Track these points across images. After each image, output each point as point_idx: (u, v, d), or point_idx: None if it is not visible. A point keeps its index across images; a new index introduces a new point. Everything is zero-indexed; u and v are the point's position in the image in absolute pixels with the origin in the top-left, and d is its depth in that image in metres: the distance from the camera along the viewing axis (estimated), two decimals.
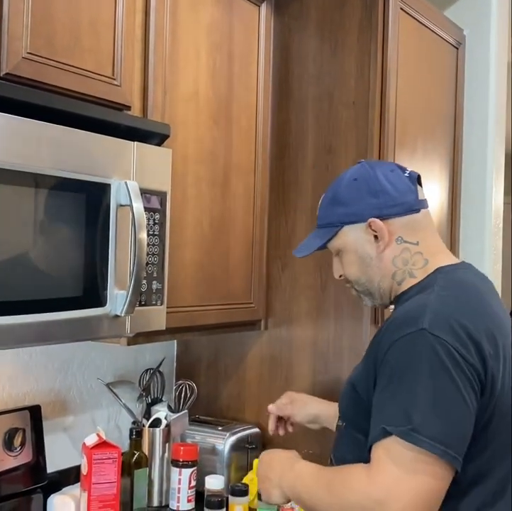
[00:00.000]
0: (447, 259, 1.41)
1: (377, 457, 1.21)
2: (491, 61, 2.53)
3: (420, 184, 1.43)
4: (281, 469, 1.39)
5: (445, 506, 1.20)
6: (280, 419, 1.79)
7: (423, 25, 2.21)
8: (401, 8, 2.04)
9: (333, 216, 1.41)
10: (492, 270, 2.56)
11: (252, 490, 1.86)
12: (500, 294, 2.62)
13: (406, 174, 1.41)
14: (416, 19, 2.16)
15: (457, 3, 2.57)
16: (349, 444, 1.37)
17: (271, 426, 1.79)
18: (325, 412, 1.73)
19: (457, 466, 1.18)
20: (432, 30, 2.28)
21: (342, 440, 1.42)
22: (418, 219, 1.39)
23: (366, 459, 1.24)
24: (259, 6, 2.03)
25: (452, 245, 2.48)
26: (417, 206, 1.39)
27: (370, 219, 1.36)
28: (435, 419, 1.17)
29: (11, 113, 1.26)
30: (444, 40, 2.38)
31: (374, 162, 1.47)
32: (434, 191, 2.35)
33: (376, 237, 1.37)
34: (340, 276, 1.47)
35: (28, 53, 1.35)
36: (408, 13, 2.10)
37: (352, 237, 1.40)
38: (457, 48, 2.47)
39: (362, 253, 1.39)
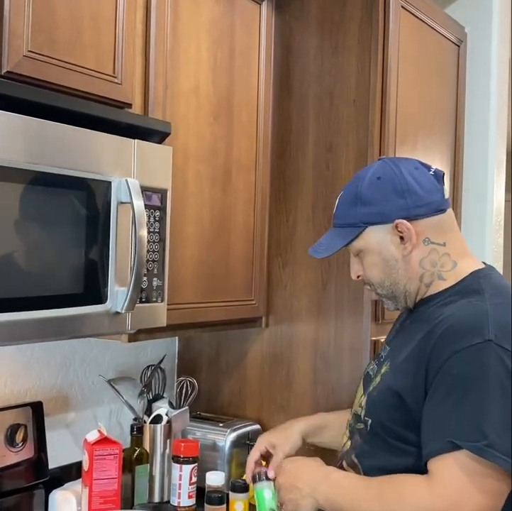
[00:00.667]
0: (473, 261, 1.38)
1: (441, 470, 1.19)
2: (493, 58, 2.53)
3: (444, 183, 1.39)
4: (313, 479, 1.35)
5: None
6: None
7: (424, 23, 2.21)
8: (402, 6, 2.04)
9: (356, 216, 1.35)
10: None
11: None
12: None
13: (431, 173, 1.36)
14: (417, 17, 2.16)
15: (458, 0, 2.57)
16: (383, 451, 1.32)
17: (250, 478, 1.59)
18: (308, 429, 1.62)
19: None
20: (434, 28, 2.28)
21: (371, 446, 1.35)
22: (444, 219, 1.36)
23: (410, 468, 1.24)
24: (260, 4, 2.03)
25: None
26: (443, 205, 1.36)
27: (397, 221, 1.32)
28: (507, 433, 1.16)
29: (12, 112, 1.27)
30: (445, 37, 2.38)
31: (396, 159, 1.43)
32: None
33: (401, 238, 1.33)
34: (358, 277, 1.42)
35: (29, 51, 1.36)
36: (409, 11, 2.10)
37: (376, 238, 1.35)
38: (459, 46, 2.47)
39: (387, 255, 1.35)
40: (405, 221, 1.31)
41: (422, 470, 1.23)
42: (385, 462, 1.30)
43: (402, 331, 1.44)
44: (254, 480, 1.53)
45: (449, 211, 1.38)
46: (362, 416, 1.38)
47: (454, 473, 1.17)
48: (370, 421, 1.35)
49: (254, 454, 1.60)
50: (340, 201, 1.41)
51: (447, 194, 1.38)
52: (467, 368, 1.19)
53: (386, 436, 1.31)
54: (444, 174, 1.39)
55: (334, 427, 1.60)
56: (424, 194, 1.33)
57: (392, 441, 1.30)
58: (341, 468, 1.39)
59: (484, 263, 1.41)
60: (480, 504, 1.16)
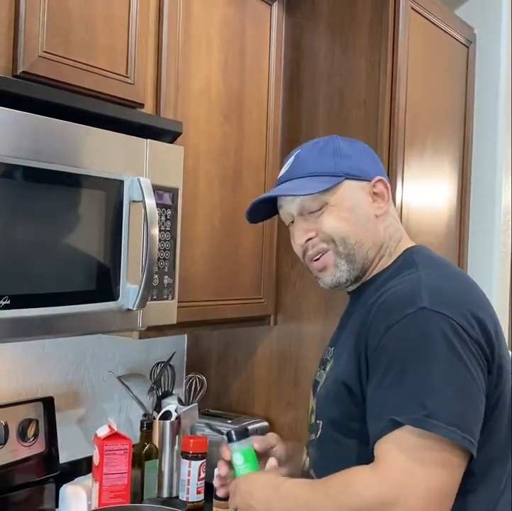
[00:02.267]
0: (408, 241, 1.36)
1: (383, 452, 1.09)
2: (502, 59, 2.53)
3: None
4: (265, 495, 1.21)
5: (456, 501, 1.09)
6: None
7: (434, 24, 2.22)
8: (412, 8, 2.06)
9: (336, 166, 1.28)
10: (501, 267, 2.57)
11: None
12: (509, 292, 2.64)
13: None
14: (427, 18, 2.17)
15: (467, 2, 2.58)
16: (337, 454, 1.22)
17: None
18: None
19: (473, 451, 1.08)
20: (443, 29, 2.29)
21: (325, 453, 1.25)
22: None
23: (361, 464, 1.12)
24: (271, 5, 2.05)
25: (461, 243, 2.49)
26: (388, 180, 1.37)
27: (377, 177, 1.29)
28: (450, 402, 1.07)
29: (27, 111, 1.29)
30: (454, 38, 2.39)
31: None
32: (443, 189, 2.37)
33: (373, 198, 1.29)
34: (309, 239, 1.28)
35: (44, 52, 1.38)
36: (418, 13, 2.11)
37: (351, 193, 1.28)
38: (468, 47, 2.48)
39: (360, 212, 1.28)
40: (384, 179, 1.30)
41: (365, 458, 1.13)
42: (339, 462, 1.17)
43: (343, 327, 1.35)
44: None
45: None
46: (314, 421, 1.29)
47: (397, 452, 1.07)
48: (321, 423, 1.25)
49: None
50: (303, 156, 1.31)
51: None
52: (402, 341, 1.11)
53: (338, 436, 1.21)
54: None
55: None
56: (381, 167, 1.36)
57: (345, 440, 1.20)
58: None
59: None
60: (431, 482, 1.05)
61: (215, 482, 1.41)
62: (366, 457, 1.13)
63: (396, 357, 1.10)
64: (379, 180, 1.29)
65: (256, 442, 1.37)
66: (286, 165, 1.33)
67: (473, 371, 1.10)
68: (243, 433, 1.35)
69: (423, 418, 1.06)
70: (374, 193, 1.29)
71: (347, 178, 1.27)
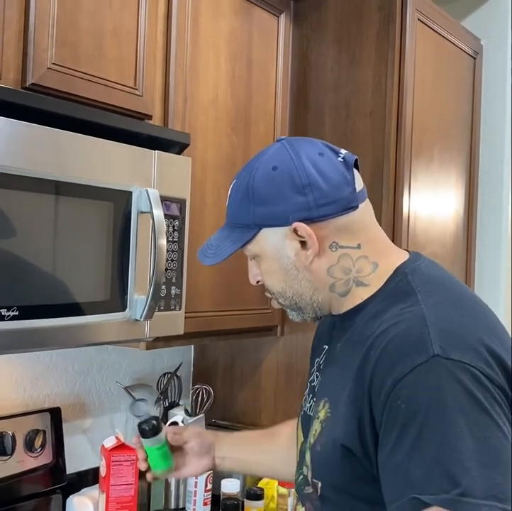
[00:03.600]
0: (396, 256, 1.13)
1: None
2: (508, 70, 2.53)
3: (358, 169, 1.11)
4: None
5: None
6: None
7: (441, 35, 2.23)
8: (419, 19, 2.06)
9: (248, 215, 1.09)
10: (509, 277, 2.57)
11: (267, 494, 1.88)
12: None
13: (340, 158, 1.08)
14: (434, 30, 2.18)
15: (474, 13, 2.59)
16: None
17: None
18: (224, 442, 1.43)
19: None
20: (450, 41, 2.30)
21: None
22: (356, 218, 1.08)
23: None
24: (278, 17, 2.06)
25: (469, 253, 2.49)
26: (354, 201, 1.07)
27: (295, 224, 1.06)
28: (484, 471, 0.89)
29: (37, 123, 1.30)
30: (461, 50, 2.39)
31: (297, 141, 1.11)
32: (450, 199, 2.37)
33: (303, 243, 1.07)
34: (258, 282, 1.17)
35: (53, 64, 1.39)
36: (425, 24, 2.12)
37: (272, 242, 1.09)
38: (475, 58, 2.49)
39: (286, 263, 1.09)
40: (303, 225, 1.05)
41: None
42: None
43: (333, 357, 1.16)
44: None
45: (364, 205, 1.10)
46: (310, 479, 1.11)
47: None
48: (320, 484, 1.08)
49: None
50: (231, 193, 1.14)
51: (360, 185, 1.09)
52: (416, 399, 0.93)
53: (344, 499, 1.06)
54: (356, 159, 1.11)
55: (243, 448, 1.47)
56: (329, 189, 1.05)
57: (350, 503, 1.05)
58: None
59: (408, 251, 1.17)
60: None
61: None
62: None
63: (411, 418, 0.93)
64: (297, 227, 1.06)
65: (169, 435, 1.35)
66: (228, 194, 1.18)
67: (502, 426, 0.93)
68: (155, 429, 1.32)
69: (457, 498, 0.88)
70: (301, 240, 1.07)
71: (263, 226, 1.09)
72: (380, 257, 1.11)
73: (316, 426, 1.10)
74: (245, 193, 1.09)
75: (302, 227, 1.06)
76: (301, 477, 1.15)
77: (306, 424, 1.18)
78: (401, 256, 1.13)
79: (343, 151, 1.11)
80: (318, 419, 1.11)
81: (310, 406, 1.18)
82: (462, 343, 0.96)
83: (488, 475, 0.89)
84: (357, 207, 1.08)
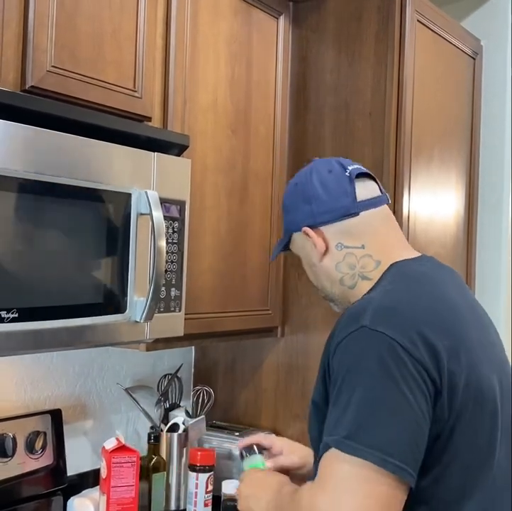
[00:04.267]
0: (405, 254, 1.30)
1: (318, 474, 1.09)
2: (508, 70, 2.53)
3: (375, 180, 1.33)
4: (264, 499, 1.28)
5: None
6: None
7: (440, 36, 2.23)
8: (418, 20, 2.06)
9: (284, 222, 1.39)
10: (509, 277, 2.57)
11: None
12: None
13: (347, 173, 1.29)
14: (433, 30, 2.18)
15: (474, 13, 2.58)
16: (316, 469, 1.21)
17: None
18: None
19: (407, 478, 1.03)
20: (449, 41, 2.30)
21: (314, 465, 1.23)
22: (355, 223, 1.28)
23: None
24: (278, 18, 2.06)
25: (469, 253, 2.49)
26: (354, 209, 1.27)
27: (303, 228, 1.31)
28: (374, 424, 1.04)
29: (36, 125, 1.30)
30: (461, 50, 2.39)
31: (318, 161, 1.36)
32: (451, 199, 2.37)
33: (314, 244, 1.31)
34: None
35: (53, 66, 1.39)
36: (424, 25, 2.12)
37: (299, 244, 1.36)
38: (474, 59, 2.49)
39: (309, 261, 1.35)
40: (308, 229, 1.30)
41: None
42: None
43: None
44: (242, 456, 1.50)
45: (373, 211, 1.29)
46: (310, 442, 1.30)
47: (326, 476, 1.07)
48: (312, 443, 1.25)
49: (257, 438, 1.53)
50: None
51: (367, 195, 1.29)
52: (343, 360, 1.11)
53: (316, 453, 1.20)
54: (362, 173, 1.31)
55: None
56: (328, 200, 1.28)
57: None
58: None
59: (424, 255, 1.34)
60: (357, 506, 1.02)
61: None
62: None
63: (338, 376, 1.11)
64: (304, 230, 1.31)
65: (269, 462, 1.46)
66: None
67: (408, 394, 1.05)
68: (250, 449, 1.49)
69: (342, 440, 1.05)
70: (312, 241, 1.31)
71: (291, 232, 1.36)
72: (384, 256, 1.28)
73: None
74: (282, 205, 1.40)
75: (308, 231, 1.30)
76: None
77: None
78: (406, 255, 1.30)
79: (351, 167, 1.30)
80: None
81: None
82: (392, 321, 1.10)
83: (375, 428, 1.04)
84: (356, 214, 1.28)
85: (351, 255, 1.29)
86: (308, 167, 1.36)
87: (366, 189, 1.30)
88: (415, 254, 1.32)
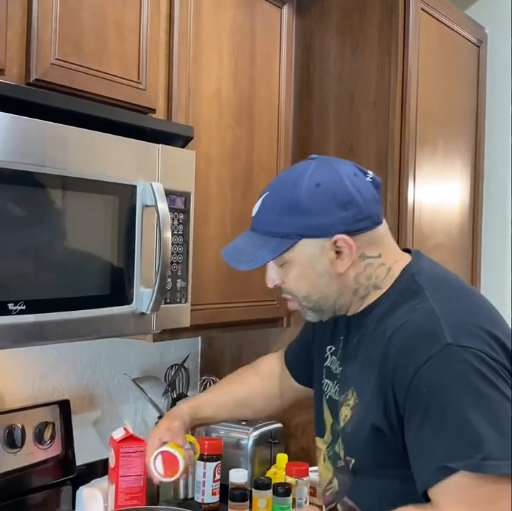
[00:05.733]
0: (404, 257, 1.29)
1: (445, 498, 1.09)
2: None
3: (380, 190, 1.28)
4: None
5: None
6: None
7: (444, 24, 2.22)
8: (422, 8, 2.06)
9: (290, 226, 1.20)
10: None
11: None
12: None
13: (369, 179, 1.24)
14: (437, 19, 2.17)
15: (478, 1, 2.57)
16: (373, 483, 1.23)
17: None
18: (191, 411, 1.53)
19: None
20: (454, 29, 2.29)
21: (361, 484, 1.25)
22: (381, 231, 1.25)
23: (397, 488, 1.18)
24: (281, 8, 2.06)
25: (474, 242, 2.49)
26: (381, 217, 1.25)
27: (337, 236, 1.19)
28: (502, 437, 1.06)
29: (40, 118, 1.30)
30: (465, 38, 2.38)
31: (331, 161, 1.27)
32: (456, 189, 2.37)
33: (337, 253, 1.21)
34: (275, 285, 1.30)
35: (57, 59, 1.40)
36: (428, 13, 2.11)
37: (310, 251, 1.21)
38: (479, 47, 2.48)
39: (320, 270, 1.22)
40: (346, 237, 1.19)
41: (408, 486, 1.14)
42: (378, 492, 1.22)
43: (351, 350, 1.30)
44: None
45: (384, 221, 1.27)
46: (342, 456, 1.27)
47: (459, 497, 1.08)
48: (353, 460, 1.24)
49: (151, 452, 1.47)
50: (266, 204, 1.24)
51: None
52: (436, 383, 1.09)
53: (372, 469, 1.23)
54: (381, 180, 1.27)
55: (213, 403, 1.59)
56: (365, 206, 1.20)
57: (378, 471, 1.22)
58: (335, 509, 1.33)
59: (409, 250, 1.32)
60: None
61: None
62: (409, 489, 1.14)
63: (433, 400, 1.09)
64: (338, 239, 1.19)
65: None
66: (256, 204, 1.27)
67: (509, 396, 1.09)
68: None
69: (480, 462, 1.05)
70: (337, 250, 1.21)
71: (305, 237, 1.20)
72: (393, 262, 1.26)
73: (346, 412, 1.26)
74: (287, 205, 1.19)
75: (344, 239, 1.19)
76: (332, 452, 1.31)
77: (334, 407, 1.32)
78: (406, 258, 1.28)
79: (370, 172, 1.25)
80: (348, 405, 1.25)
81: (336, 391, 1.32)
82: (468, 332, 1.12)
83: (504, 440, 1.06)
84: (382, 222, 1.25)
85: (370, 266, 1.24)
86: (320, 166, 1.22)
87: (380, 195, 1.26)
88: (406, 254, 1.31)
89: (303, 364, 1.52)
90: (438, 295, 1.19)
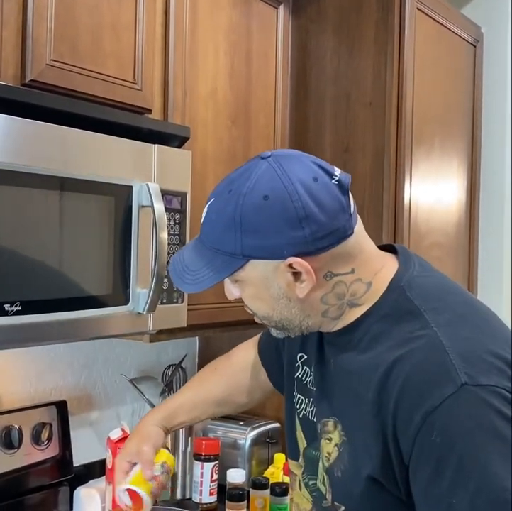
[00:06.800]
0: (387, 265, 1.07)
1: None
2: (509, 58, 2.52)
3: (349, 191, 1.02)
4: None
5: None
6: None
7: (440, 24, 2.23)
8: (418, 8, 2.06)
9: (235, 245, 0.99)
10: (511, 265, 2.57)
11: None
12: None
13: (335, 181, 0.99)
14: (433, 18, 2.17)
15: (474, 0, 2.57)
16: None
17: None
18: (163, 418, 1.39)
19: None
20: (450, 29, 2.29)
21: None
22: (351, 243, 1.01)
23: None
24: (277, 8, 2.06)
25: (471, 241, 2.49)
26: (351, 228, 1.00)
27: (290, 259, 0.98)
28: None
29: (36, 119, 1.30)
30: (461, 38, 2.39)
31: (285, 160, 1.00)
32: (452, 188, 2.37)
33: (295, 274, 1.00)
34: (235, 299, 1.10)
35: (52, 60, 1.40)
36: (424, 13, 2.11)
37: (262, 273, 1.01)
38: (475, 46, 2.48)
39: (276, 292, 1.02)
40: (300, 260, 0.98)
41: None
42: None
43: (329, 372, 1.11)
44: None
45: (357, 227, 1.02)
46: (329, 499, 1.10)
47: None
48: (343, 508, 1.07)
49: (121, 477, 1.33)
50: (211, 213, 1.03)
51: (352, 206, 1.01)
52: (451, 429, 0.92)
53: None
54: (350, 179, 1.02)
55: (187, 407, 1.43)
56: (327, 221, 0.97)
57: None
58: None
59: (394, 247, 1.12)
60: None
61: None
62: None
63: (448, 450, 0.91)
64: (293, 263, 0.98)
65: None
66: (203, 213, 1.06)
67: None
68: None
69: None
70: (294, 272, 1.00)
71: (252, 258, 1.00)
72: (373, 276, 1.05)
73: (329, 449, 1.08)
74: (232, 220, 0.98)
75: (298, 262, 0.98)
76: (314, 486, 1.14)
77: (310, 430, 1.16)
78: (390, 265, 1.08)
79: (337, 171, 1.01)
80: (330, 440, 1.09)
81: (312, 412, 1.15)
82: (484, 365, 0.95)
83: None
84: (352, 233, 1.01)
85: (340, 284, 1.03)
86: (270, 171, 0.98)
87: (350, 198, 1.02)
88: (392, 258, 1.10)
89: (275, 361, 1.36)
90: (441, 319, 1.00)
